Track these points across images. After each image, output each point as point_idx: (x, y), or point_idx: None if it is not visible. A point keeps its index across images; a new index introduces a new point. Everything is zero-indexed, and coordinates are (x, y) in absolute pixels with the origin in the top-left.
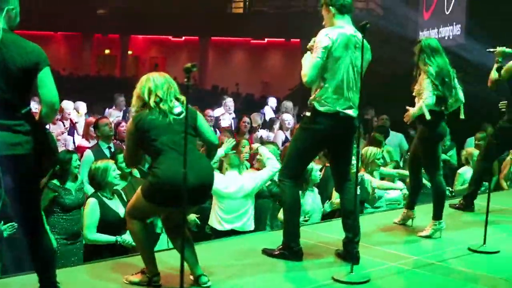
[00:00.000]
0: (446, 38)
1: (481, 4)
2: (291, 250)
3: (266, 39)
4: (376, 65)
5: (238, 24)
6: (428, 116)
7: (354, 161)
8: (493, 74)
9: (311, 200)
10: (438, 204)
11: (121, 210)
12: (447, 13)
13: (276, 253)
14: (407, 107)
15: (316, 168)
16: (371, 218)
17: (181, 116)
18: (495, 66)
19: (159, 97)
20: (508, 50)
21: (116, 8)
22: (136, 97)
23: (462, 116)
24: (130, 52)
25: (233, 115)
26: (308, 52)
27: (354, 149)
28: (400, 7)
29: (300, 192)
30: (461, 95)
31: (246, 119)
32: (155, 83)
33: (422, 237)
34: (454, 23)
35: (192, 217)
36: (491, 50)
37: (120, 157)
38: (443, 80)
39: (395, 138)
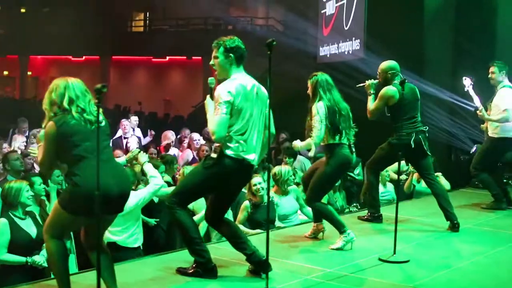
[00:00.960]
0: (346, 53)
1: (378, 20)
2: (205, 268)
3: (167, 57)
4: (278, 80)
5: (139, 43)
6: (312, 154)
7: None
8: (370, 105)
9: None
10: (332, 223)
11: (33, 231)
12: (346, 28)
13: (190, 271)
14: (294, 142)
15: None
16: (282, 233)
17: (103, 124)
18: (369, 98)
19: (80, 107)
20: (374, 81)
21: (14, 29)
22: (51, 103)
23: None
24: (29, 73)
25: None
26: (209, 99)
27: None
28: (300, 24)
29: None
30: (351, 135)
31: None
32: (75, 92)
33: (334, 250)
34: (353, 38)
35: None
36: (361, 85)
37: (35, 179)
38: (340, 112)
39: (303, 162)
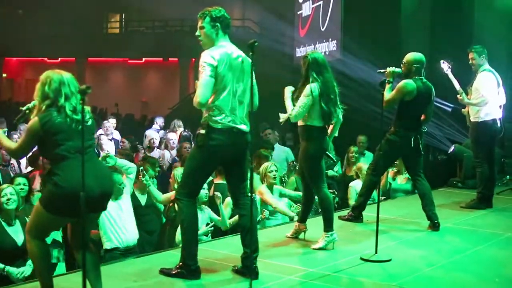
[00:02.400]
0: (323, 53)
1: (355, 21)
2: (188, 269)
3: (143, 59)
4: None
5: (115, 44)
6: (282, 120)
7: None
8: (386, 95)
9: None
10: (327, 216)
11: (20, 238)
12: (322, 29)
13: (174, 272)
14: (280, 114)
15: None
16: (263, 233)
17: (89, 123)
18: (387, 86)
19: (72, 105)
20: (397, 70)
21: None
22: (44, 96)
23: (336, 134)
24: (4, 75)
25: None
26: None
27: (247, 166)
28: (276, 25)
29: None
30: (340, 115)
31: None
32: (70, 89)
33: (316, 249)
34: (330, 39)
35: None
36: (381, 71)
37: (18, 180)
38: (329, 97)
39: (282, 152)
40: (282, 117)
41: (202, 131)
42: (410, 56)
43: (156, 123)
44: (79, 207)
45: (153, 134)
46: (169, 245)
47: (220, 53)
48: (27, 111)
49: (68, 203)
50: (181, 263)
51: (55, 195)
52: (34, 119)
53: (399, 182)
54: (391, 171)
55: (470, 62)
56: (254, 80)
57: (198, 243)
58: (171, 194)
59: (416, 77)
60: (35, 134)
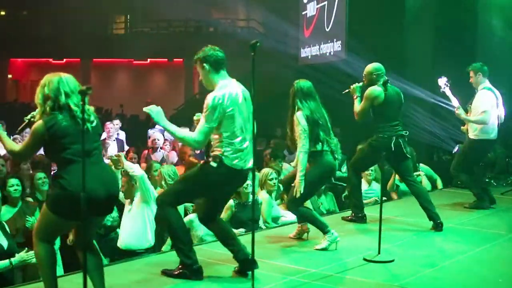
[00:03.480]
0: (327, 54)
1: (359, 21)
2: (190, 269)
3: (148, 60)
4: (260, 80)
5: (120, 45)
6: (303, 170)
7: None
8: (356, 107)
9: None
10: (316, 225)
11: (4, 243)
12: (327, 30)
13: (176, 273)
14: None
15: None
16: (266, 234)
17: (94, 124)
18: (356, 101)
19: (75, 103)
20: (359, 84)
21: None
22: (45, 98)
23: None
24: (10, 76)
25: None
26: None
27: None
28: (281, 26)
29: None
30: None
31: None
32: (70, 87)
33: (319, 250)
34: (335, 40)
35: None
36: (346, 91)
37: (10, 181)
38: (317, 122)
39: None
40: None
41: (213, 164)
42: (369, 67)
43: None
44: (86, 209)
45: (157, 134)
46: (159, 244)
47: (223, 93)
48: (31, 119)
49: (75, 206)
50: (181, 265)
51: (62, 198)
52: (39, 122)
53: None
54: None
55: (470, 80)
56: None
57: (190, 243)
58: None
59: (380, 83)
60: (40, 137)
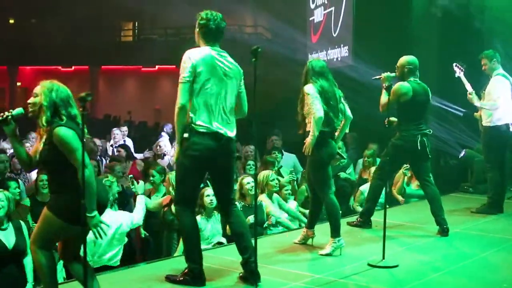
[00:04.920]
0: (334, 59)
1: (366, 27)
2: (194, 275)
3: (157, 67)
4: (268, 87)
5: (128, 52)
6: (316, 132)
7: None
8: (383, 99)
9: (210, 226)
10: (333, 222)
11: (11, 242)
12: (334, 35)
13: (180, 279)
14: (305, 140)
15: (208, 194)
16: (271, 239)
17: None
18: (383, 91)
19: (72, 108)
20: (391, 74)
21: (2, 39)
22: (50, 102)
23: (346, 130)
24: (19, 84)
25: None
26: None
27: (234, 173)
28: (288, 31)
29: (203, 217)
30: (348, 112)
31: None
32: (65, 93)
33: (323, 255)
34: (342, 45)
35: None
36: (377, 77)
37: (12, 183)
38: (328, 101)
39: (289, 159)
40: (308, 143)
41: (186, 135)
42: (402, 59)
43: (165, 130)
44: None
45: (163, 140)
46: (167, 249)
47: (199, 52)
48: (8, 117)
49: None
50: (186, 270)
51: (74, 204)
52: (66, 130)
53: (414, 187)
54: (406, 177)
55: (483, 68)
56: (243, 87)
57: (200, 249)
58: (162, 199)
59: (411, 79)
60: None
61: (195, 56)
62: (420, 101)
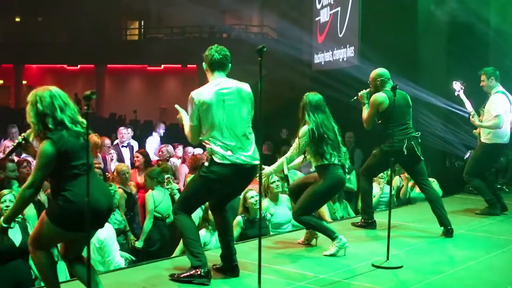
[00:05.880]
0: (340, 60)
1: (372, 27)
2: (199, 273)
3: (162, 66)
4: (273, 86)
5: (134, 51)
6: (286, 172)
7: None
8: (364, 114)
9: (214, 239)
10: (322, 233)
11: (18, 239)
12: (340, 36)
13: (184, 277)
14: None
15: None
16: (275, 239)
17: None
18: (364, 108)
19: (69, 117)
20: (366, 91)
21: (8, 38)
22: (39, 115)
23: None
24: (24, 82)
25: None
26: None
27: None
28: (294, 31)
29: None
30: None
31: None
32: (62, 100)
33: (327, 256)
34: (348, 46)
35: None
36: (355, 98)
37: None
38: (323, 136)
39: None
40: (269, 170)
41: (206, 163)
42: (373, 73)
43: (157, 131)
44: (90, 221)
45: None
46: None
47: (202, 90)
48: (22, 141)
49: (80, 218)
50: (191, 268)
51: (68, 210)
52: (46, 143)
53: (418, 191)
54: (410, 182)
55: (480, 84)
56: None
57: (201, 247)
58: None
59: (387, 88)
60: (51, 159)
61: (198, 97)
62: (399, 106)
